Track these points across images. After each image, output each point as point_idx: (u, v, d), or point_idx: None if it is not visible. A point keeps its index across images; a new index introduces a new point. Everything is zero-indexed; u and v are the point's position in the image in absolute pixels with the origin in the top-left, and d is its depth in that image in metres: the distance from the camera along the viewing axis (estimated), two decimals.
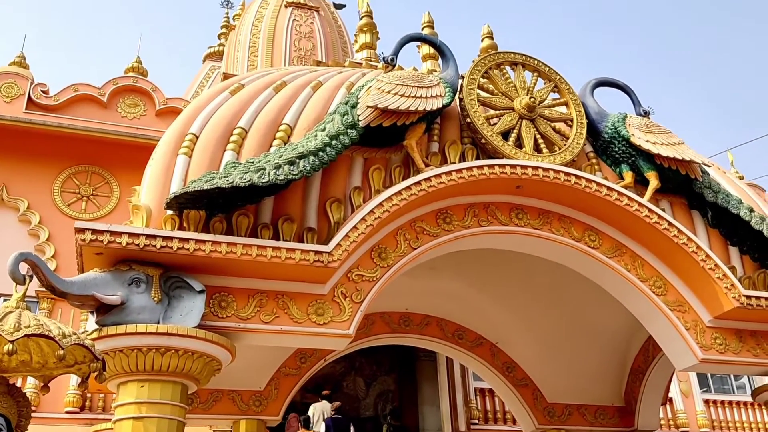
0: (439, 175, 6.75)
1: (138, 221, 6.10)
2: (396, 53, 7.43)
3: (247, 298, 6.16)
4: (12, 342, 4.43)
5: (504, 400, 11.64)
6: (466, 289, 10.06)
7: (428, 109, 6.83)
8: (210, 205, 6.09)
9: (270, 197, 6.38)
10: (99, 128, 13.85)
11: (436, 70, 8.56)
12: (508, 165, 7.04)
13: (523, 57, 7.91)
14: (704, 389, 17.77)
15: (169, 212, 6.08)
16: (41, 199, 13.72)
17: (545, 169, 7.11)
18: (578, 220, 7.46)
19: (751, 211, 7.50)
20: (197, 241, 5.87)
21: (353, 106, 6.79)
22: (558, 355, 10.57)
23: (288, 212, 6.44)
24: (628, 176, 7.62)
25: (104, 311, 5.69)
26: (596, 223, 7.49)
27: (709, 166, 8.01)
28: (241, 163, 6.20)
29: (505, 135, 7.40)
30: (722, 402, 17.61)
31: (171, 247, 5.80)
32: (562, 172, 7.15)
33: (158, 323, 5.72)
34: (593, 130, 7.87)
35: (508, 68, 7.87)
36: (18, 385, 5.21)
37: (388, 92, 6.77)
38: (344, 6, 17.71)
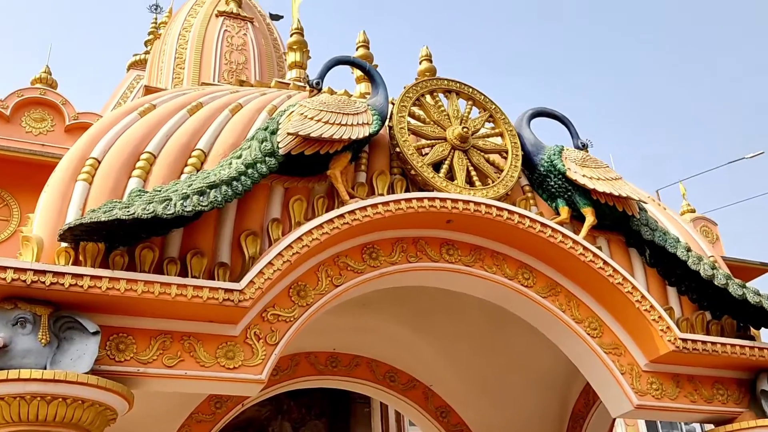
0: (364, 208, 6.33)
1: (27, 254, 5.51)
2: (322, 77, 7.04)
3: (150, 339, 5.60)
4: None
5: None
6: (398, 328, 9.60)
7: (353, 137, 6.43)
8: (110, 238, 5.52)
9: (178, 229, 5.86)
10: None
11: (369, 93, 8.20)
12: (438, 198, 6.66)
13: (457, 84, 7.59)
14: None
15: (64, 245, 5.50)
16: None
17: (477, 204, 6.76)
18: (512, 257, 7.12)
19: (689, 250, 7.27)
20: (93, 277, 5.29)
21: (273, 132, 6.35)
22: (495, 398, 10.17)
23: (198, 246, 5.92)
24: (564, 212, 7.33)
25: None
26: (531, 261, 7.16)
27: (646, 203, 7.78)
28: (146, 192, 5.68)
29: (437, 166, 7.04)
30: None
31: (62, 284, 5.20)
32: (495, 206, 6.81)
33: (45, 368, 5.12)
34: (529, 163, 7.57)
35: (441, 96, 7.53)
36: None
37: (311, 118, 6.35)
38: (281, 17, 16.57)
